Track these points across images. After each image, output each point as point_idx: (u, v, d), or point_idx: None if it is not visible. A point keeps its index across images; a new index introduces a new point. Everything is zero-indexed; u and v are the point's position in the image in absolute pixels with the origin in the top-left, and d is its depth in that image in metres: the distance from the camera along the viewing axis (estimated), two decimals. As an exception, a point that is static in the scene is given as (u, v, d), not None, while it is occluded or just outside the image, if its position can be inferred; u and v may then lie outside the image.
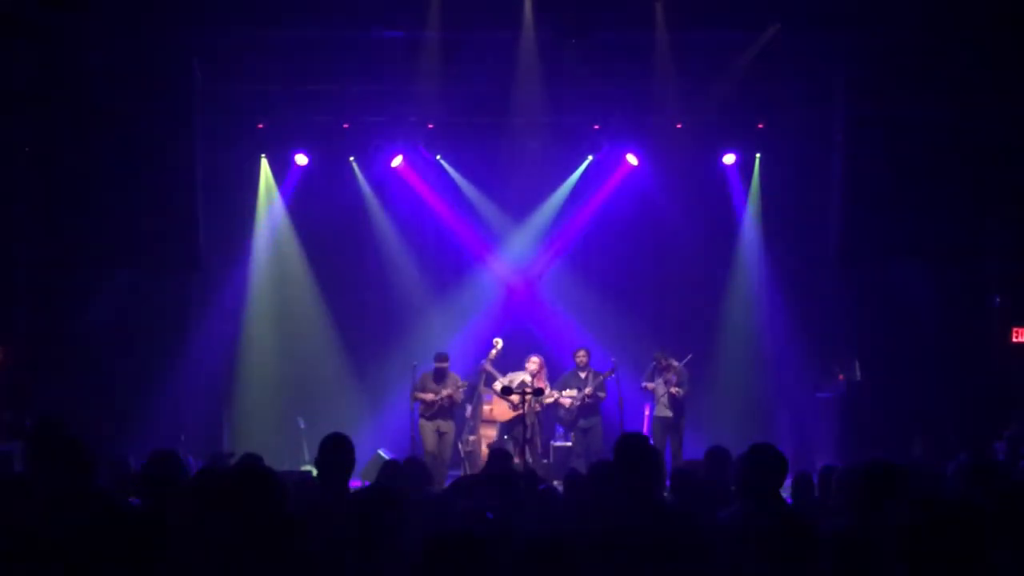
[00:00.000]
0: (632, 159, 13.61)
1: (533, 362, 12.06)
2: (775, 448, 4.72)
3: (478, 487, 6.09)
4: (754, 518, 4.44)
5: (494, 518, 5.01)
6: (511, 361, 12.36)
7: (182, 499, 4.90)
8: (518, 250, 14.05)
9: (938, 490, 6.34)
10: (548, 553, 3.30)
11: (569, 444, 12.45)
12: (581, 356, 12.24)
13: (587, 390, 12.03)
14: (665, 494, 5.92)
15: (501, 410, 12.23)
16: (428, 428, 11.86)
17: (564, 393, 12.13)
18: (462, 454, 12.30)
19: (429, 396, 11.83)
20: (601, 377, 12.07)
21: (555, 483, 7.85)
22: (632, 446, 4.52)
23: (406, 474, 6.15)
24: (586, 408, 12.11)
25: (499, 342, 12.32)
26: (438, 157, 13.76)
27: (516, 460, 10.85)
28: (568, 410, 12.18)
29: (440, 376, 11.93)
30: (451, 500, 5.82)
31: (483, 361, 12.29)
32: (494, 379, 12.20)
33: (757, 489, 4.58)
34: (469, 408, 12.38)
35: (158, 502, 4.90)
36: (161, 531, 3.67)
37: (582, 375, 12.19)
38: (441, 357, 11.95)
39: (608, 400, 12.18)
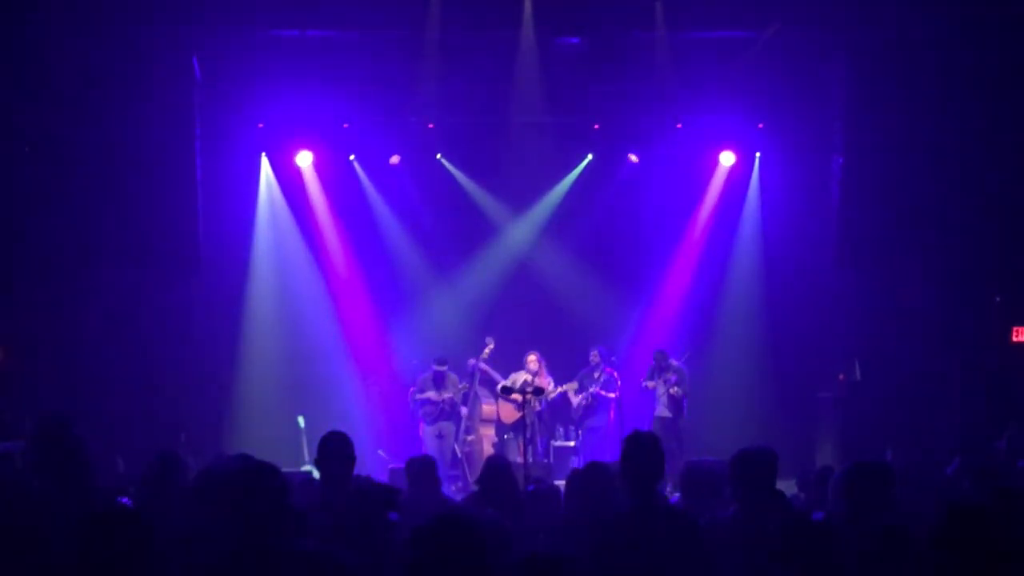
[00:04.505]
0: (632, 158, 13.60)
1: (532, 360, 12.05)
2: (765, 449, 4.74)
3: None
4: (752, 518, 4.45)
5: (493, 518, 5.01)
6: (508, 359, 12.37)
7: (182, 499, 4.91)
8: (517, 249, 14.03)
9: (938, 490, 6.35)
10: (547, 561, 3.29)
11: (570, 444, 12.44)
12: (595, 356, 12.26)
13: (592, 388, 12.04)
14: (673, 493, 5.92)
15: (507, 412, 12.21)
16: (429, 433, 11.87)
17: (564, 387, 12.14)
18: (459, 454, 12.30)
19: (432, 394, 11.85)
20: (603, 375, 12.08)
21: (555, 483, 7.84)
22: (639, 444, 4.50)
23: (415, 471, 6.13)
24: (594, 408, 12.10)
25: (491, 341, 12.34)
26: (438, 157, 13.76)
27: (518, 459, 10.86)
28: (575, 408, 12.19)
29: (440, 380, 11.92)
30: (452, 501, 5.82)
31: (476, 360, 12.29)
32: (490, 377, 12.19)
33: (748, 490, 4.59)
34: (465, 409, 12.38)
35: (157, 502, 4.90)
36: (155, 530, 3.67)
37: (595, 375, 12.20)
38: (441, 361, 11.95)
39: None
